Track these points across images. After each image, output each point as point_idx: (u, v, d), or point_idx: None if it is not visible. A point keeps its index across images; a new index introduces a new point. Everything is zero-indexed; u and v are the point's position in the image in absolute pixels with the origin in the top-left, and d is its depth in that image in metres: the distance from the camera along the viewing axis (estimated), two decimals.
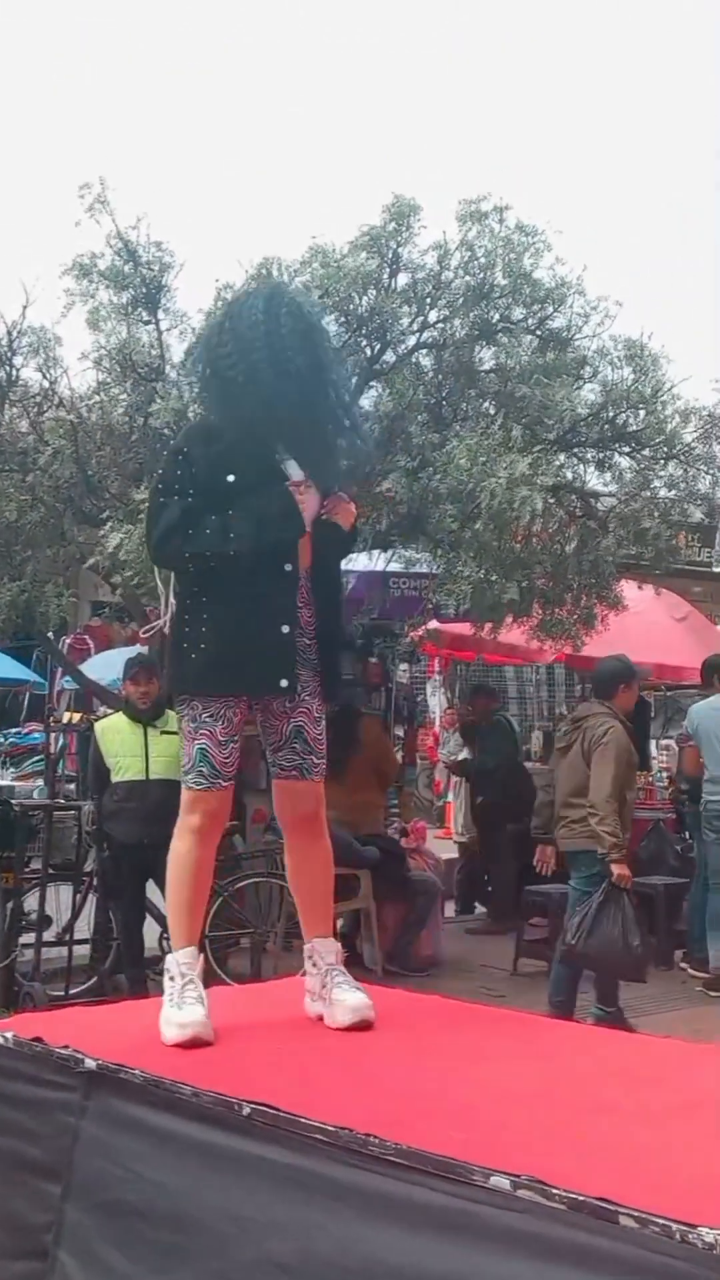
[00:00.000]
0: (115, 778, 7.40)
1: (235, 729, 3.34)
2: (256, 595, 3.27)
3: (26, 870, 7.73)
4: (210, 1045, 3.05)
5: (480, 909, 11.27)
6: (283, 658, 3.28)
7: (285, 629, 3.29)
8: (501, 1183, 2.09)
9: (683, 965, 8.94)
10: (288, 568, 3.30)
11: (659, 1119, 2.53)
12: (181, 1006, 3.15)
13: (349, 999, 3.29)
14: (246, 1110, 2.48)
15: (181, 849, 3.39)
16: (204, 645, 3.30)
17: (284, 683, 3.28)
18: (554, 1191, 2.03)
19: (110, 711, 8.23)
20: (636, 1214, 1.95)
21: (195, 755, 3.31)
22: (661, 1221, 1.92)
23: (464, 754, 11.94)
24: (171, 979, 3.26)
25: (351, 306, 7.65)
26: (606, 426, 8.24)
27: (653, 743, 13.78)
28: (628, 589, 9.16)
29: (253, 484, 3.27)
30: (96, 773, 7.57)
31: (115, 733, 7.49)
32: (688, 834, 9.98)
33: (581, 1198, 2.00)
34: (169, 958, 3.36)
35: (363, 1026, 3.25)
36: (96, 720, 8.23)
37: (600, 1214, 1.97)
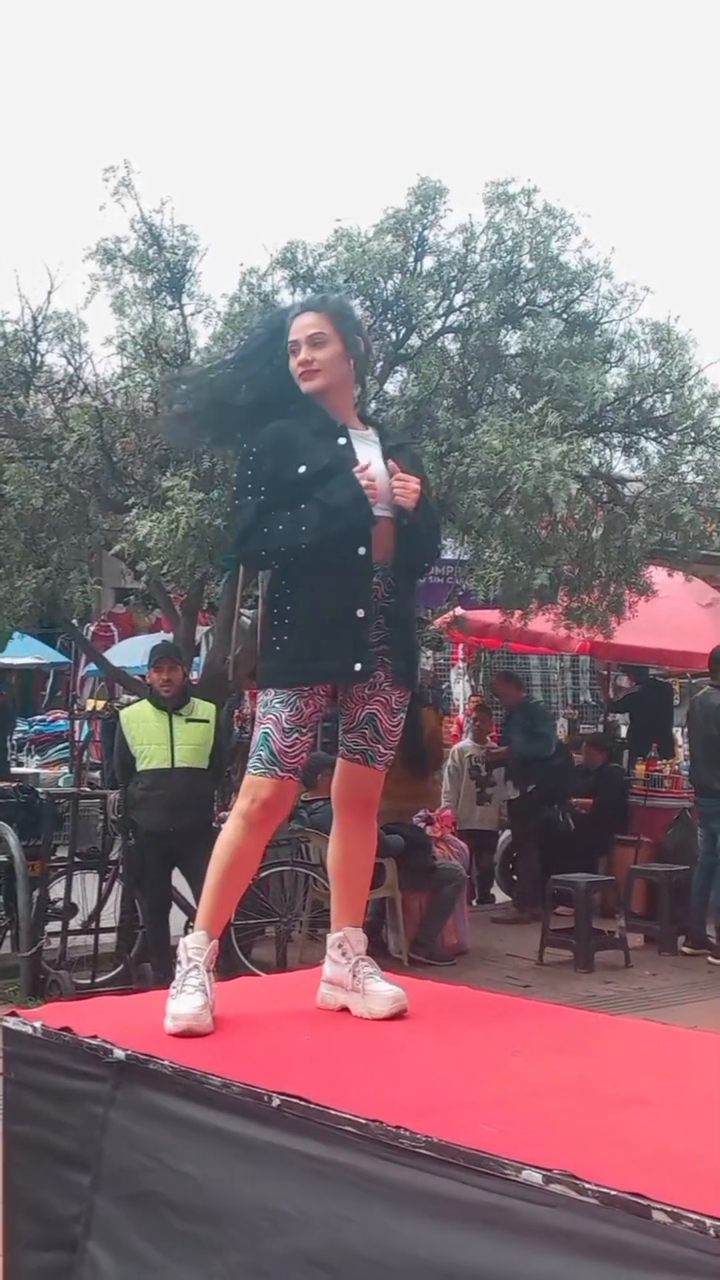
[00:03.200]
0: (140, 766, 7.40)
1: (305, 720, 3.27)
2: (332, 583, 3.23)
3: (52, 858, 7.74)
4: (207, 1035, 3.00)
5: (503, 897, 11.24)
6: (357, 643, 3.23)
7: (360, 613, 3.23)
8: (534, 1177, 2.07)
9: (701, 952, 8.90)
10: (361, 552, 3.24)
11: (692, 1112, 2.50)
12: (177, 996, 3.11)
13: (385, 989, 3.28)
14: (276, 1101, 2.46)
15: (226, 831, 3.35)
16: (286, 638, 3.27)
17: (358, 667, 3.23)
18: (586, 1186, 2.01)
19: (135, 699, 8.21)
20: (669, 1208, 1.93)
21: (258, 739, 3.28)
22: (695, 1216, 1.90)
23: (466, 741, 11.81)
24: (179, 964, 3.25)
25: (376, 290, 7.62)
26: (633, 411, 8.18)
27: (677, 730, 13.69)
28: (657, 575, 9.10)
29: (324, 472, 3.23)
30: (122, 761, 7.57)
31: (140, 721, 7.48)
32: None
33: (614, 1192, 1.99)
34: (180, 941, 3.35)
35: (399, 1015, 3.23)
36: (121, 708, 8.22)
37: (633, 1209, 1.96)
